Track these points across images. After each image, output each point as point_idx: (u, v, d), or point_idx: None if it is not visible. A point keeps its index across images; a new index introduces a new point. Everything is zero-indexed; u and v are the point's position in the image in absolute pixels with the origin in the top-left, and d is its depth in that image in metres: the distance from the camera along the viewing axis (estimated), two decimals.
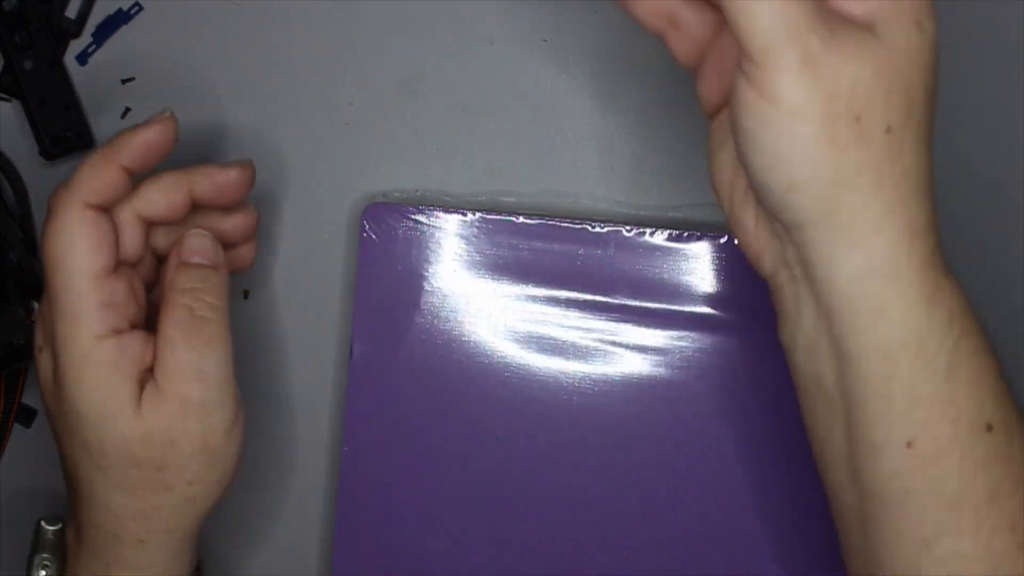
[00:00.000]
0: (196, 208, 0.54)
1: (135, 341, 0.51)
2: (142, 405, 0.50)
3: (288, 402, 0.62)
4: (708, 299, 0.58)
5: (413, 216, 0.58)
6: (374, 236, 0.58)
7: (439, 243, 0.58)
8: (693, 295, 0.58)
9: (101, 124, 0.61)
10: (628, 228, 0.58)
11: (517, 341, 0.58)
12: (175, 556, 0.52)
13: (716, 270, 0.58)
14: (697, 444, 0.58)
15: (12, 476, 0.62)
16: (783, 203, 0.42)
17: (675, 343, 0.58)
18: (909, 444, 0.43)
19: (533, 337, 0.58)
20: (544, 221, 0.58)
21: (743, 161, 0.43)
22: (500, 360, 0.58)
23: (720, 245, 0.58)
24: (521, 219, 0.58)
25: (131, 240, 0.52)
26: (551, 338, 0.58)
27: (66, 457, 0.52)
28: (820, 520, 0.57)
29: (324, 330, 0.61)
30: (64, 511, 0.55)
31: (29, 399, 0.62)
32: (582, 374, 0.58)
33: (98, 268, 0.50)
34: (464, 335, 0.58)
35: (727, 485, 0.58)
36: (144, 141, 0.51)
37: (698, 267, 0.58)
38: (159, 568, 0.52)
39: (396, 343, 0.59)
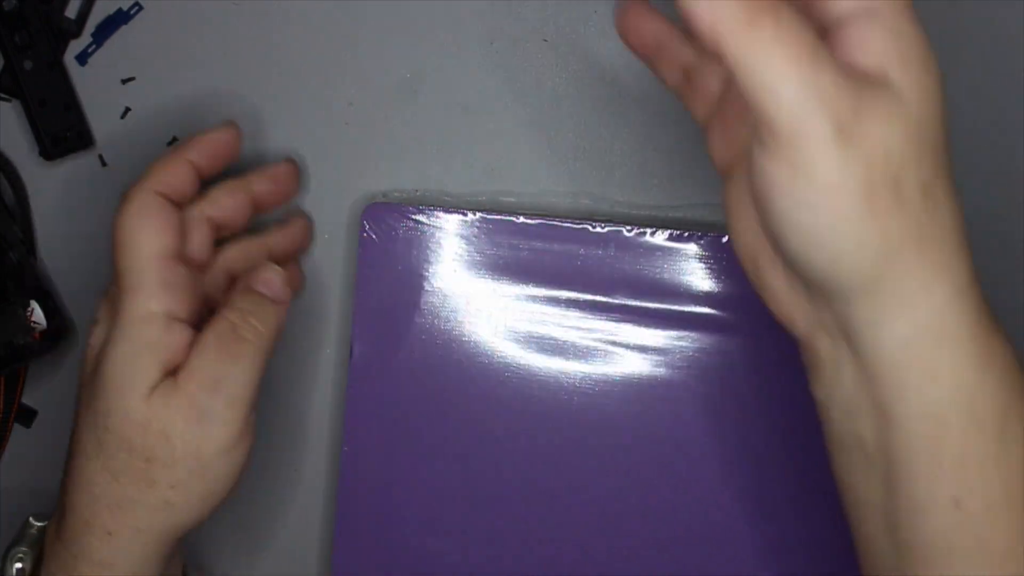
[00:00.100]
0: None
1: (180, 333, 0.52)
2: (155, 392, 0.50)
3: (288, 402, 0.62)
4: (708, 299, 0.58)
5: (413, 216, 0.58)
6: (374, 236, 0.58)
7: (439, 243, 0.58)
8: (693, 295, 0.58)
9: (101, 124, 0.61)
10: (628, 228, 0.58)
11: (517, 341, 0.58)
12: (141, 561, 0.52)
13: (716, 270, 0.58)
14: (697, 444, 0.58)
15: (12, 476, 0.62)
16: (823, 277, 0.41)
17: (675, 343, 0.58)
18: (956, 503, 0.42)
19: (533, 337, 0.58)
20: (544, 221, 0.58)
21: (776, 238, 0.42)
22: (500, 360, 0.58)
23: (720, 245, 0.58)
24: (521, 219, 0.58)
25: (198, 239, 0.55)
26: (551, 338, 0.58)
27: (77, 428, 0.53)
28: (820, 520, 0.57)
29: (324, 330, 0.61)
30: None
31: (29, 399, 0.62)
32: (582, 374, 0.58)
33: (162, 248, 0.52)
34: (464, 335, 0.59)
35: (727, 485, 0.58)
36: (211, 140, 0.55)
37: (698, 267, 0.58)
38: (121, 569, 0.52)
39: (396, 343, 0.59)
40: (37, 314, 0.59)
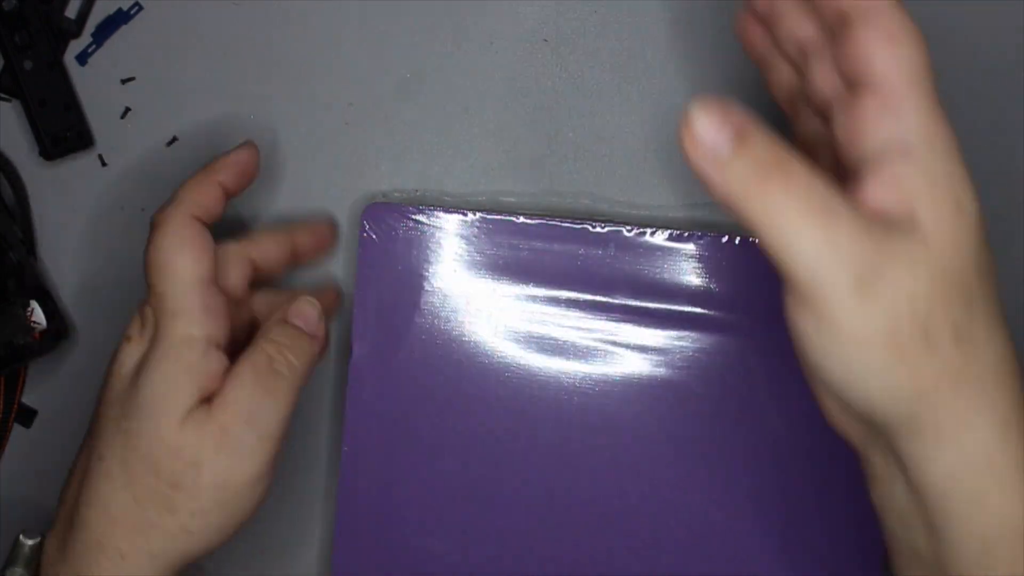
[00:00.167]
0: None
1: (217, 360, 0.52)
2: (189, 418, 0.50)
3: None
4: (708, 299, 0.58)
5: (413, 216, 0.58)
6: (374, 236, 0.58)
7: (439, 243, 0.58)
8: (693, 295, 0.58)
9: (101, 124, 0.61)
10: (628, 228, 0.58)
11: (517, 341, 0.58)
12: None
13: (716, 270, 0.58)
14: (697, 444, 0.58)
15: (11, 476, 0.62)
16: (863, 413, 0.42)
17: (675, 343, 0.58)
18: None
19: (533, 337, 0.58)
20: (544, 221, 0.58)
21: (816, 379, 0.42)
22: (500, 360, 0.58)
23: (720, 245, 0.58)
24: (521, 219, 0.58)
25: (236, 275, 0.56)
26: (551, 338, 0.58)
27: (97, 444, 0.52)
28: (820, 521, 0.57)
29: None
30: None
31: (29, 399, 0.62)
32: (582, 374, 0.58)
33: (203, 273, 0.52)
34: (464, 335, 0.59)
35: (727, 485, 0.58)
36: (237, 161, 0.55)
37: (698, 267, 0.58)
38: None
39: (396, 343, 0.59)
40: (37, 314, 0.59)
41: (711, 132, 0.40)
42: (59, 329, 0.60)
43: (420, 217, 0.58)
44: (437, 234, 0.58)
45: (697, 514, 0.58)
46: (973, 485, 0.41)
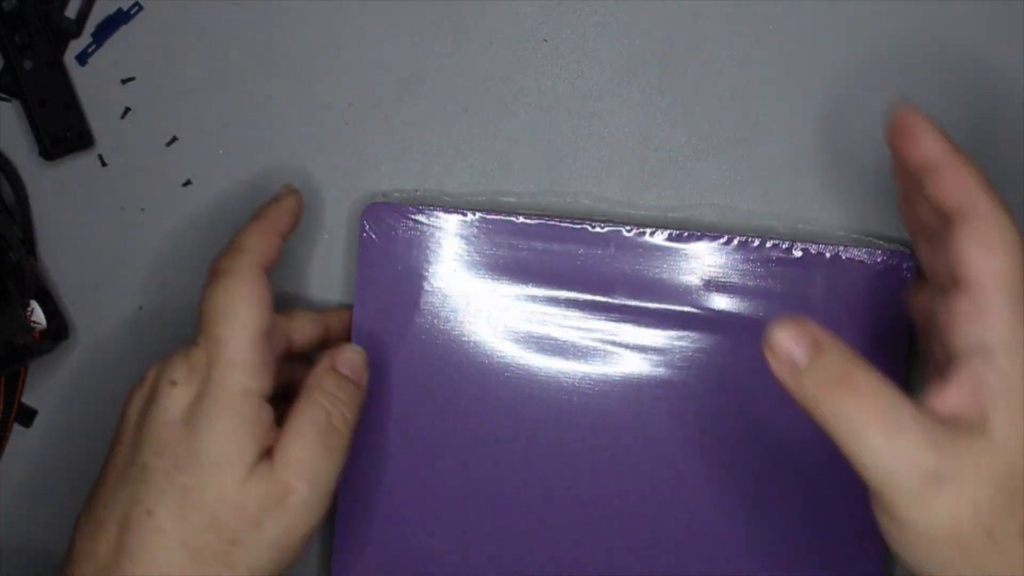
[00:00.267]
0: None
1: (269, 414, 0.51)
2: (252, 475, 0.50)
3: None
4: (708, 299, 0.58)
5: (413, 216, 0.58)
6: (374, 236, 0.58)
7: (439, 243, 0.58)
8: (693, 295, 0.58)
9: (101, 124, 0.61)
10: (628, 228, 0.58)
11: (517, 341, 0.58)
12: None
13: (716, 270, 0.58)
14: (697, 444, 0.58)
15: (12, 476, 0.62)
16: None
17: (675, 343, 0.58)
18: None
19: (533, 337, 0.58)
20: (544, 221, 0.58)
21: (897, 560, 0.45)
22: (500, 360, 0.58)
23: (720, 245, 0.58)
24: (521, 219, 0.58)
25: (277, 346, 0.55)
26: (551, 338, 0.58)
27: (142, 497, 0.50)
28: (820, 521, 0.57)
29: None
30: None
31: (29, 399, 0.62)
32: (582, 374, 0.58)
33: (265, 326, 0.52)
34: (464, 335, 0.58)
35: (727, 485, 0.58)
36: (292, 209, 0.56)
37: (698, 267, 0.58)
38: None
39: (396, 343, 0.59)
40: (37, 314, 0.59)
41: (788, 345, 0.45)
42: (59, 329, 0.60)
43: (420, 217, 0.58)
44: (437, 234, 0.58)
45: (697, 514, 0.58)
46: None
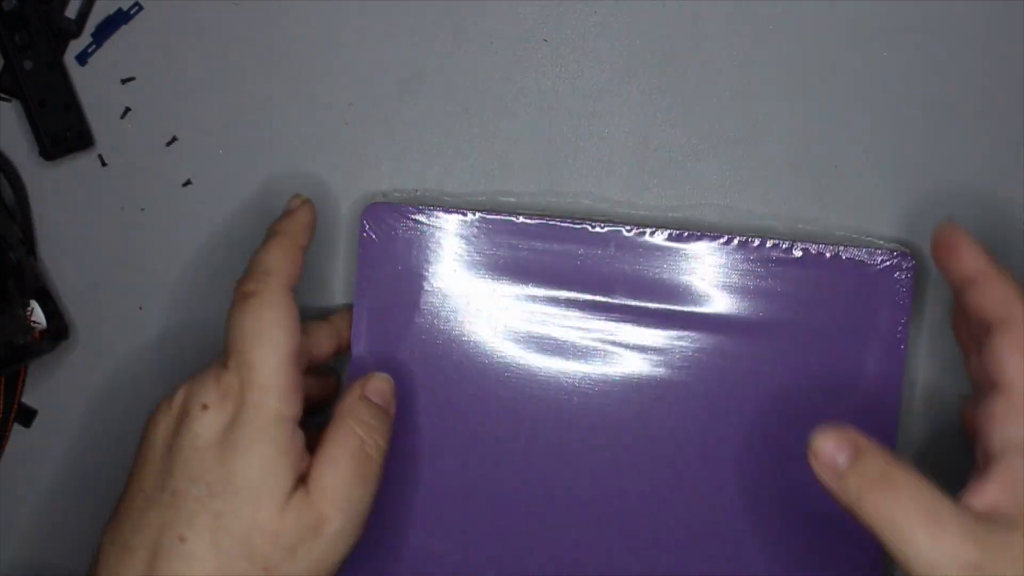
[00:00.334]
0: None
1: (301, 439, 0.51)
2: (289, 503, 0.50)
3: None
4: (708, 299, 0.58)
5: (413, 216, 0.58)
6: (374, 236, 0.58)
7: (439, 243, 0.58)
8: (693, 295, 0.58)
9: (101, 124, 0.61)
10: (628, 228, 0.58)
11: (517, 341, 0.58)
12: None
13: (716, 270, 0.58)
14: (697, 444, 0.58)
15: (12, 476, 0.62)
16: None
17: (675, 343, 0.58)
18: None
19: (533, 337, 0.58)
20: (544, 221, 0.58)
21: None
22: (500, 360, 0.58)
23: (720, 245, 0.58)
24: (521, 219, 0.58)
25: (301, 366, 0.54)
26: (551, 338, 0.58)
27: (174, 523, 0.49)
28: (820, 521, 0.57)
29: None
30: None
31: (29, 399, 0.62)
32: (582, 374, 0.58)
33: (296, 349, 0.51)
34: (464, 335, 0.59)
35: (727, 485, 0.58)
36: (308, 222, 0.56)
37: (698, 267, 0.58)
38: None
39: (396, 343, 0.59)
40: (37, 314, 0.59)
41: (830, 450, 0.47)
42: (59, 329, 0.60)
43: (420, 217, 0.58)
44: (437, 234, 0.58)
45: (697, 514, 0.58)
46: None
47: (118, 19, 0.61)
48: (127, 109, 0.61)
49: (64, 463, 0.62)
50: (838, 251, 0.57)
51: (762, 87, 0.60)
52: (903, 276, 0.57)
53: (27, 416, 0.62)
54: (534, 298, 0.58)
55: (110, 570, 0.50)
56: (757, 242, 0.58)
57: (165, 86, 0.61)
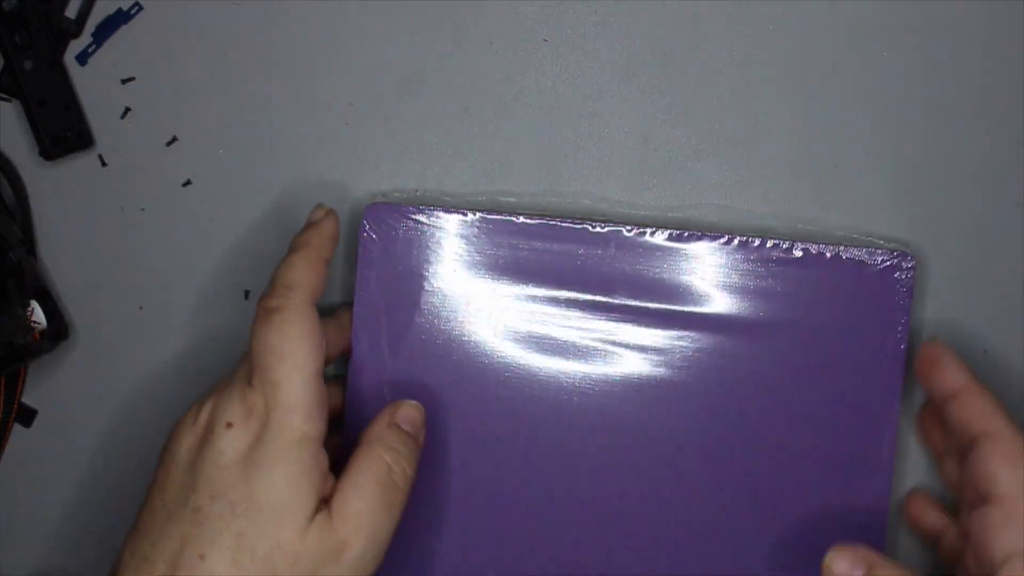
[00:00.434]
0: None
1: (325, 460, 0.51)
2: (311, 526, 0.49)
3: None
4: (708, 299, 0.58)
5: (413, 216, 0.58)
6: (374, 236, 0.58)
7: (439, 243, 0.58)
8: (693, 295, 0.58)
9: (101, 124, 0.61)
10: (628, 228, 0.58)
11: (517, 341, 0.58)
12: None
13: (716, 270, 0.58)
14: (697, 444, 0.58)
15: (12, 476, 0.62)
16: None
17: (675, 343, 0.58)
18: None
19: (533, 337, 0.58)
20: (544, 221, 0.58)
21: None
22: (500, 360, 0.58)
23: (720, 245, 0.58)
24: (521, 219, 0.58)
25: None
26: (551, 338, 0.58)
27: (196, 541, 0.49)
28: (820, 521, 0.57)
29: None
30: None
31: (29, 399, 0.62)
32: (582, 374, 0.58)
33: (319, 366, 0.51)
34: (464, 335, 0.59)
35: (726, 485, 0.58)
36: (332, 234, 0.55)
37: (698, 267, 0.58)
38: None
39: (396, 343, 0.59)
40: (37, 314, 0.59)
41: (844, 569, 0.49)
42: (59, 329, 0.60)
43: (420, 217, 0.58)
44: (437, 234, 0.58)
45: (697, 514, 0.58)
46: None
47: (118, 19, 0.61)
48: (127, 109, 0.61)
49: (64, 463, 0.62)
50: (838, 251, 0.57)
51: (762, 87, 0.60)
52: (903, 276, 0.57)
53: (27, 416, 0.62)
54: (534, 298, 0.58)
55: None
56: (757, 242, 0.58)
57: (165, 86, 0.61)
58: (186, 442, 0.51)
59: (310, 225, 0.55)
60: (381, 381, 0.59)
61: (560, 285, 0.58)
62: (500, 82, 0.60)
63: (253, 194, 0.61)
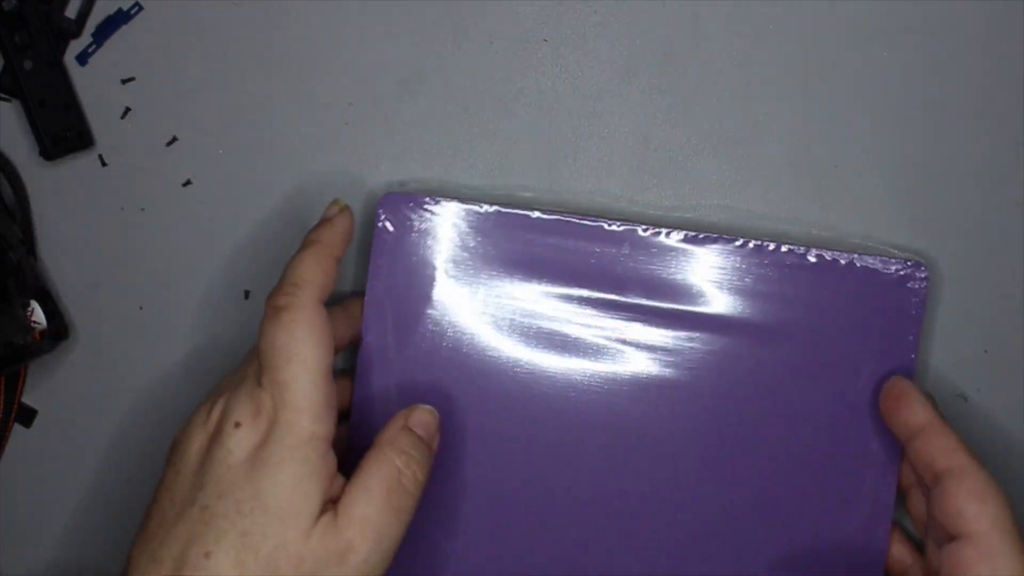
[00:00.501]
0: None
1: (333, 460, 0.51)
2: (316, 527, 0.49)
3: None
4: (720, 301, 0.58)
5: (429, 207, 0.58)
6: (389, 226, 0.58)
7: (454, 235, 0.58)
8: (705, 296, 0.58)
9: (101, 124, 0.61)
10: (643, 228, 0.58)
11: (527, 336, 0.58)
12: None
13: (730, 273, 0.58)
14: (704, 445, 0.58)
15: (12, 476, 0.62)
16: None
17: (686, 344, 0.58)
18: None
19: (543, 333, 0.58)
20: (560, 217, 0.58)
21: None
22: (509, 355, 0.58)
23: (735, 248, 0.58)
24: (536, 214, 0.58)
25: None
26: (561, 334, 0.58)
27: (201, 539, 0.49)
28: (821, 521, 0.57)
29: None
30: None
31: (29, 399, 0.62)
32: (592, 372, 0.58)
33: (328, 365, 0.51)
34: (474, 328, 0.58)
35: (733, 487, 0.58)
36: (346, 232, 0.54)
37: (711, 269, 0.58)
38: None
39: (406, 334, 0.58)
40: (37, 314, 0.59)
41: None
42: (59, 329, 0.60)
43: (436, 208, 0.58)
44: (452, 226, 0.58)
45: (702, 515, 0.58)
46: None
47: (118, 19, 0.61)
48: (127, 109, 0.61)
49: (64, 463, 0.62)
50: (852, 258, 0.57)
51: (762, 87, 0.60)
52: (916, 286, 0.57)
53: (27, 416, 0.62)
54: (546, 294, 0.58)
55: None
56: (772, 246, 0.58)
57: (165, 86, 0.61)
58: (196, 441, 0.51)
59: (323, 221, 0.55)
60: (389, 372, 0.58)
61: (573, 282, 0.58)
62: (500, 82, 0.61)
63: (253, 194, 0.61)
